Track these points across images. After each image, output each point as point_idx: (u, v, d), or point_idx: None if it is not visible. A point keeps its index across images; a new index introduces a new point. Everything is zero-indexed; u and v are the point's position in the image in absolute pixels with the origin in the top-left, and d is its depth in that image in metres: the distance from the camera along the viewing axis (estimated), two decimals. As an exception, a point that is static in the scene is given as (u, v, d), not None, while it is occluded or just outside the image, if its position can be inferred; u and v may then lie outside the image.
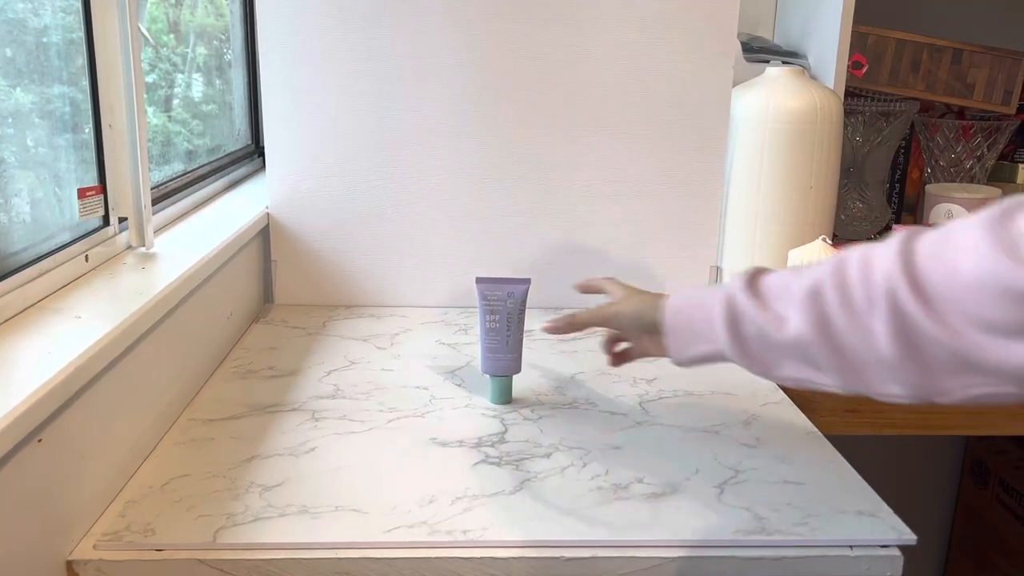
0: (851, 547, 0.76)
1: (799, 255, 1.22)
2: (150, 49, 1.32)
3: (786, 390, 1.08)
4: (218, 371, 1.11)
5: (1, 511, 0.63)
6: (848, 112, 1.58)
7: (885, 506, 0.81)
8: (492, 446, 0.92)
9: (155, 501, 0.80)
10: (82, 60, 0.98)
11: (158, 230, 1.14)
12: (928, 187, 1.55)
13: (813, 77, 1.52)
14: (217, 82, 1.63)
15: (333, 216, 1.37)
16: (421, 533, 0.76)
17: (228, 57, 1.65)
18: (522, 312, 1.03)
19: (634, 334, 0.87)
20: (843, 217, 1.68)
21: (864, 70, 1.60)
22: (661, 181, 1.37)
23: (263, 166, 1.45)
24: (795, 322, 0.65)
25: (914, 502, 1.99)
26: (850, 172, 1.65)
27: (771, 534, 0.77)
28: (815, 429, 0.98)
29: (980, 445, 1.90)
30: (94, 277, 0.95)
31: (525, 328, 1.04)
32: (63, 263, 0.91)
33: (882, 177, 1.69)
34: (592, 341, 1.26)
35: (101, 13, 0.97)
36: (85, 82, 0.98)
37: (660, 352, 0.80)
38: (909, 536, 0.77)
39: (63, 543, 0.72)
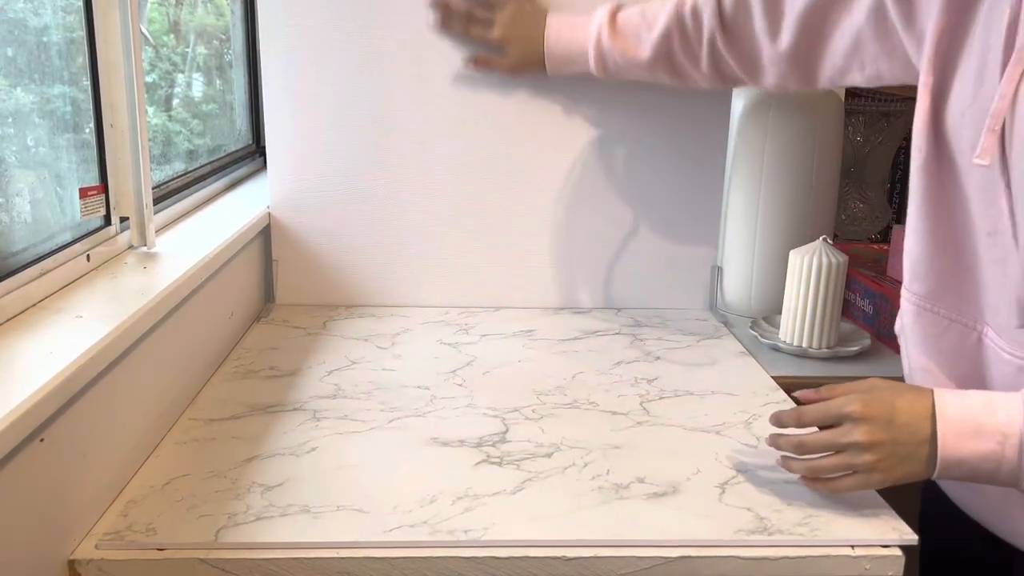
0: (852, 547, 0.76)
1: (799, 255, 1.22)
2: (150, 49, 1.32)
3: (787, 390, 1.08)
4: (219, 371, 1.12)
5: (3, 511, 0.63)
6: (849, 112, 1.58)
7: (886, 506, 0.81)
8: (493, 446, 0.92)
9: (157, 501, 0.80)
10: (83, 59, 0.98)
11: (159, 230, 1.14)
12: (928, 187, 1.55)
13: (814, 77, 1.52)
14: (217, 82, 1.63)
15: (334, 216, 1.37)
16: (422, 533, 0.76)
17: (228, 57, 1.66)
18: None
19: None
20: (843, 217, 1.69)
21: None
22: (661, 181, 1.37)
23: (264, 166, 1.45)
24: (648, 55, 1.10)
25: (915, 502, 1.99)
26: (850, 172, 1.65)
27: (772, 534, 0.77)
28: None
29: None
30: (95, 277, 0.95)
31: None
32: (64, 263, 0.91)
33: (882, 177, 1.69)
34: (592, 341, 1.26)
35: (102, 13, 0.97)
36: (86, 81, 0.98)
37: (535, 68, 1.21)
38: (910, 536, 0.77)
39: (65, 543, 0.72)
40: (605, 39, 1.13)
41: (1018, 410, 0.72)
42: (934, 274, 0.84)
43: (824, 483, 0.79)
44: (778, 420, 0.82)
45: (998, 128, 0.74)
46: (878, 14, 0.90)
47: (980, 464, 0.72)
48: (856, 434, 0.75)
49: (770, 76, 1.06)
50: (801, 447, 0.79)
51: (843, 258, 1.22)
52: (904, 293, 0.88)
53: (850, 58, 0.96)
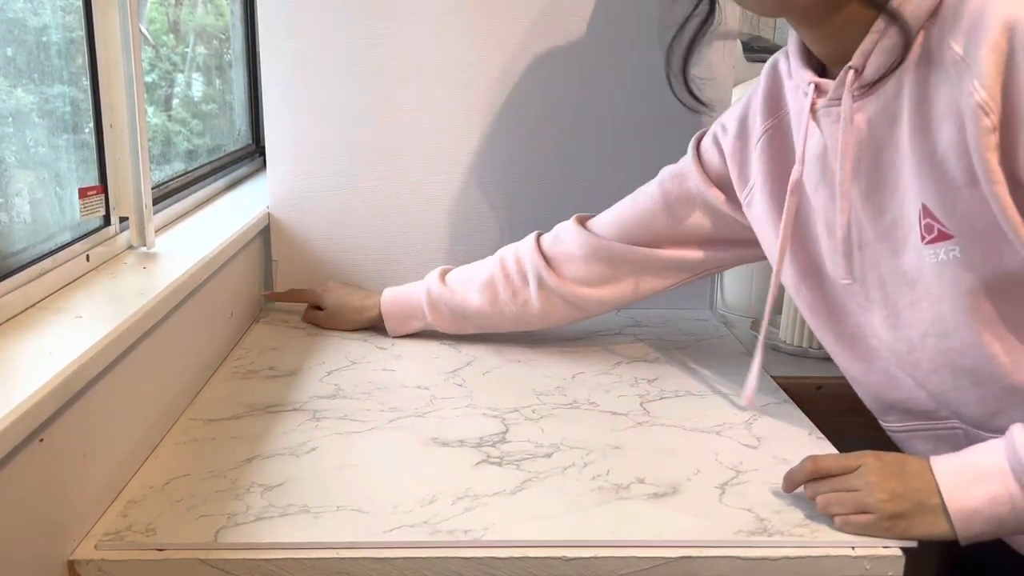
0: (852, 547, 0.76)
1: None
2: (150, 49, 1.32)
3: (788, 391, 1.08)
4: (219, 371, 1.11)
5: (2, 511, 0.63)
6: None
7: (886, 506, 0.81)
8: (493, 446, 0.92)
9: (156, 501, 0.80)
10: (82, 59, 0.98)
11: (159, 230, 1.14)
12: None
13: (813, 77, 1.51)
14: (217, 82, 1.63)
15: (334, 216, 1.37)
16: (422, 533, 0.76)
17: (228, 57, 1.65)
18: None
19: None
20: (843, 217, 1.68)
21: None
22: (661, 181, 1.37)
23: (263, 165, 1.45)
24: (476, 300, 1.17)
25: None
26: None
27: (772, 535, 0.77)
28: (816, 429, 0.98)
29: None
30: (95, 277, 0.95)
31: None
32: (64, 263, 0.91)
33: (882, 177, 1.69)
34: (592, 341, 1.26)
35: (102, 13, 0.97)
36: (86, 81, 0.98)
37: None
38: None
39: (64, 543, 0.72)
40: (435, 288, 1.19)
41: (1000, 444, 0.74)
42: (895, 405, 0.90)
43: (839, 517, 0.78)
44: (791, 479, 0.82)
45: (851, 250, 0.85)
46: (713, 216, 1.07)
47: (995, 509, 0.73)
48: (869, 475, 0.77)
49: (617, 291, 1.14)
50: (813, 488, 0.80)
51: None
52: (884, 426, 0.93)
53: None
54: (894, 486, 0.75)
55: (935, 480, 0.75)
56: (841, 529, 0.77)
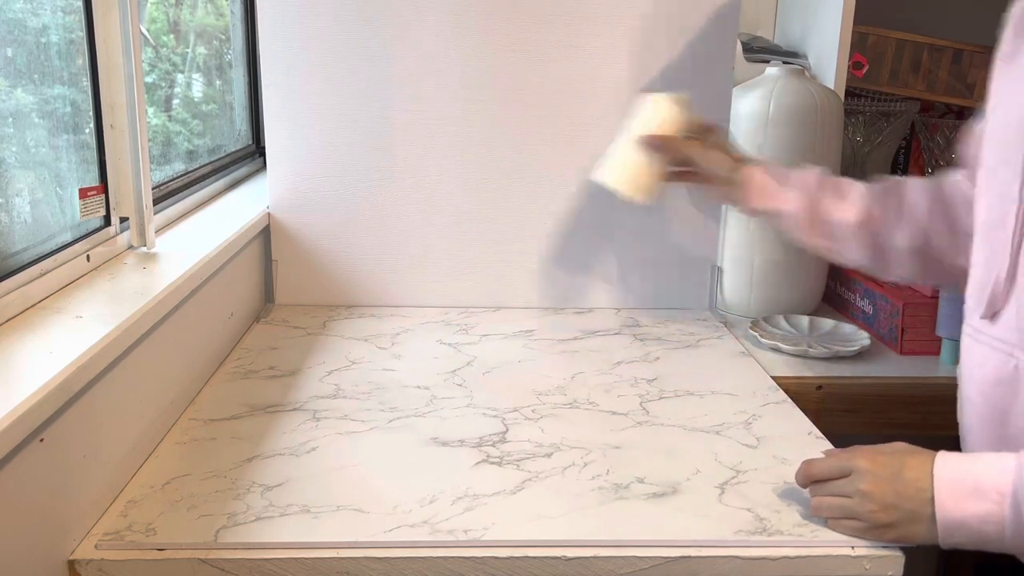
0: (852, 547, 0.76)
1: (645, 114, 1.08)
2: (150, 49, 1.32)
3: (788, 391, 1.08)
4: (219, 371, 1.11)
5: (3, 511, 0.63)
6: (848, 112, 1.57)
7: (886, 506, 0.81)
8: (493, 446, 0.92)
9: (156, 501, 0.80)
10: (83, 60, 0.98)
11: (159, 230, 1.14)
12: (928, 187, 1.55)
13: (813, 77, 1.52)
14: (217, 82, 1.63)
15: (334, 216, 1.37)
16: (422, 533, 0.76)
17: (228, 57, 1.65)
18: None
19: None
20: (843, 217, 1.68)
21: (864, 70, 1.60)
22: (661, 181, 1.37)
23: (264, 166, 1.45)
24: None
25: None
26: (850, 172, 1.65)
27: (772, 535, 0.77)
28: (815, 429, 0.98)
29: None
30: (95, 277, 0.95)
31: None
32: (64, 263, 0.91)
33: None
34: (592, 341, 1.26)
35: (102, 13, 0.97)
36: (86, 82, 0.98)
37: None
38: (910, 536, 0.77)
39: (65, 543, 0.72)
40: (813, 187, 1.01)
41: (1012, 464, 0.70)
42: (986, 302, 0.81)
43: (831, 520, 0.78)
44: (797, 482, 0.82)
45: None
46: None
47: (981, 527, 0.70)
48: (860, 483, 0.75)
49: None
50: (812, 489, 0.80)
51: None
52: (965, 328, 0.85)
53: None
54: (885, 495, 0.74)
55: (932, 486, 0.73)
56: (833, 530, 0.77)
